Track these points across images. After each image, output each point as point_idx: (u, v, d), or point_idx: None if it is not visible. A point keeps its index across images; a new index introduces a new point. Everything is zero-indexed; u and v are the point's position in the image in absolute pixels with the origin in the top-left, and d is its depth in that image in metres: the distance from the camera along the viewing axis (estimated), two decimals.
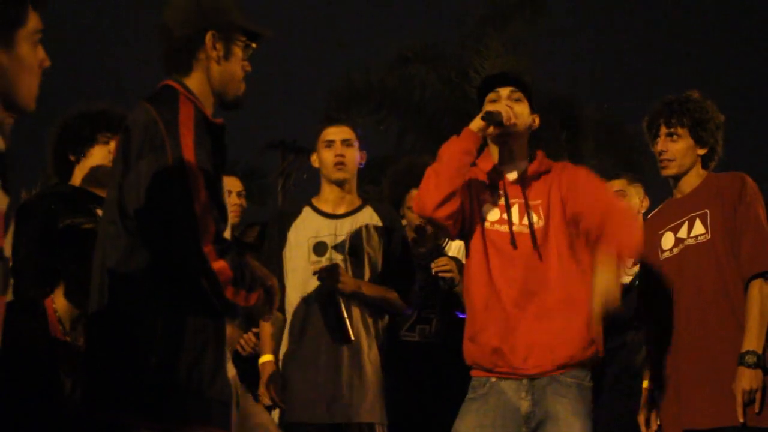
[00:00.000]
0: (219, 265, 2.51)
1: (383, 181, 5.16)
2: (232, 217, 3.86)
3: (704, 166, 3.88)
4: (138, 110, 2.67)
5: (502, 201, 3.57)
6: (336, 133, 4.19)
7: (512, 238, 3.51)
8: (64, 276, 3.18)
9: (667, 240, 3.83)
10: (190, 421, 2.55)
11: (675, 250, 3.78)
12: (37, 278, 3.19)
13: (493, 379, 3.49)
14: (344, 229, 4.15)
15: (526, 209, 3.54)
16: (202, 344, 2.58)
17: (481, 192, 3.61)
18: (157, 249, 2.54)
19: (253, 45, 2.81)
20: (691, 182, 3.85)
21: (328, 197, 4.21)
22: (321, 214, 4.20)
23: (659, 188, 4.31)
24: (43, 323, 3.13)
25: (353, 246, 4.11)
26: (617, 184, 4.86)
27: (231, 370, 3.33)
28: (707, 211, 3.75)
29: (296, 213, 4.23)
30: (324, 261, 4.08)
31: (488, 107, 3.56)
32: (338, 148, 4.16)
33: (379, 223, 4.18)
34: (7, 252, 1.90)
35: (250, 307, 2.62)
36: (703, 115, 3.85)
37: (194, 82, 2.74)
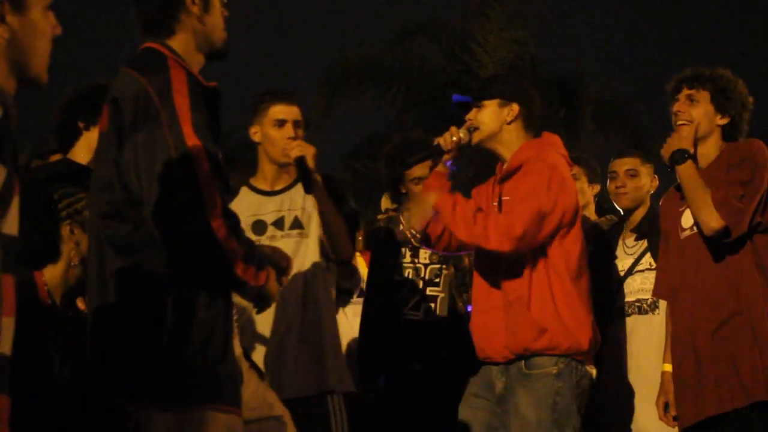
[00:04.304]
0: (228, 240, 2.46)
1: (379, 160, 5.16)
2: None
3: (725, 140, 3.82)
4: (123, 79, 2.60)
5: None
6: (288, 112, 4.02)
7: None
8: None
9: (687, 218, 3.78)
10: (204, 400, 2.51)
11: (695, 229, 3.73)
12: (31, 255, 3.12)
13: None
14: (284, 204, 4.08)
15: (499, 209, 3.76)
16: (213, 320, 2.53)
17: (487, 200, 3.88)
18: (163, 225, 2.47)
19: None
20: (708, 155, 3.79)
21: (267, 175, 4.12)
22: (258, 192, 4.12)
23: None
24: (33, 297, 3.07)
25: (295, 220, 4.06)
26: (629, 162, 4.77)
27: (237, 348, 3.28)
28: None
29: (232, 195, 3.98)
30: (264, 240, 3.96)
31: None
32: (290, 130, 3.99)
33: None
34: (9, 229, 1.86)
35: (260, 287, 2.56)
36: (728, 84, 3.82)
37: (178, 42, 2.66)
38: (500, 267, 3.72)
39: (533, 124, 3.87)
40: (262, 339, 4.03)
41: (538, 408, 3.58)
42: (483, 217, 3.63)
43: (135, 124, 2.50)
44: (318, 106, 15.05)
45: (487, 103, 3.83)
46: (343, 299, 4.99)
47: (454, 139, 3.79)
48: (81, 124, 3.62)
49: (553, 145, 3.86)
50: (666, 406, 3.88)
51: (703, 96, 3.80)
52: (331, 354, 4.04)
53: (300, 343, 3.99)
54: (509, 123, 3.81)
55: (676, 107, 3.84)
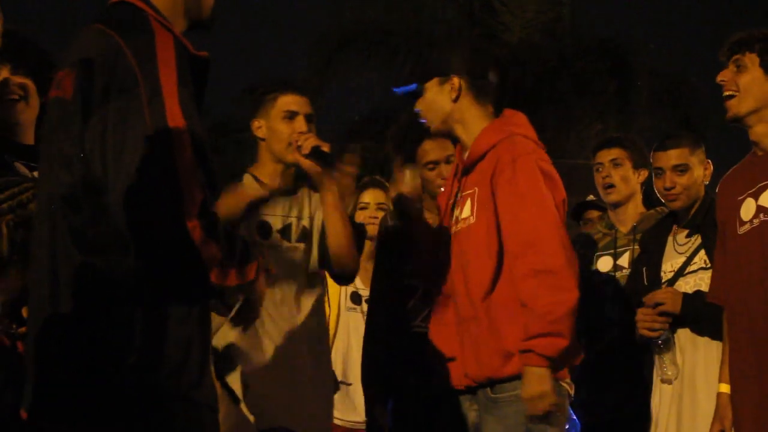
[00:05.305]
0: (205, 244, 2.43)
1: (386, 142, 5.15)
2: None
3: None
4: (92, 37, 2.54)
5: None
6: (300, 104, 4.10)
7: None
8: None
9: (747, 209, 3.77)
10: None
11: (756, 222, 3.74)
12: None
13: None
14: (292, 209, 4.15)
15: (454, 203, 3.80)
16: (188, 337, 2.50)
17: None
18: (127, 220, 2.42)
19: None
20: None
21: (270, 171, 4.16)
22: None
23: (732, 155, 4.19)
24: None
25: (303, 231, 4.13)
26: (676, 155, 4.59)
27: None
28: None
29: (237, 182, 4.10)
30: (266, 247, 4.03)
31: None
32: (302, 124, 4.07)
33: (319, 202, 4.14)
34: None
35: (247, 284, 2.58)
36: None
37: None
38: (450, 273, 3.72)
39: (486, 95, 3.79)
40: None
41: None
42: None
43: (107, 94, 2.44)
44: (310, 79, 15.04)
45: (427, 86, 3.79)
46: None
47: None
48: None
49: (519, 126, 3.77)
50: None
51: (751, 60, 3.78)
52: (325, 389, 4.17)
53: (311, 379, 4.09)
54: (455, 101, 3.75)
55: (719, 76, 3.82)
